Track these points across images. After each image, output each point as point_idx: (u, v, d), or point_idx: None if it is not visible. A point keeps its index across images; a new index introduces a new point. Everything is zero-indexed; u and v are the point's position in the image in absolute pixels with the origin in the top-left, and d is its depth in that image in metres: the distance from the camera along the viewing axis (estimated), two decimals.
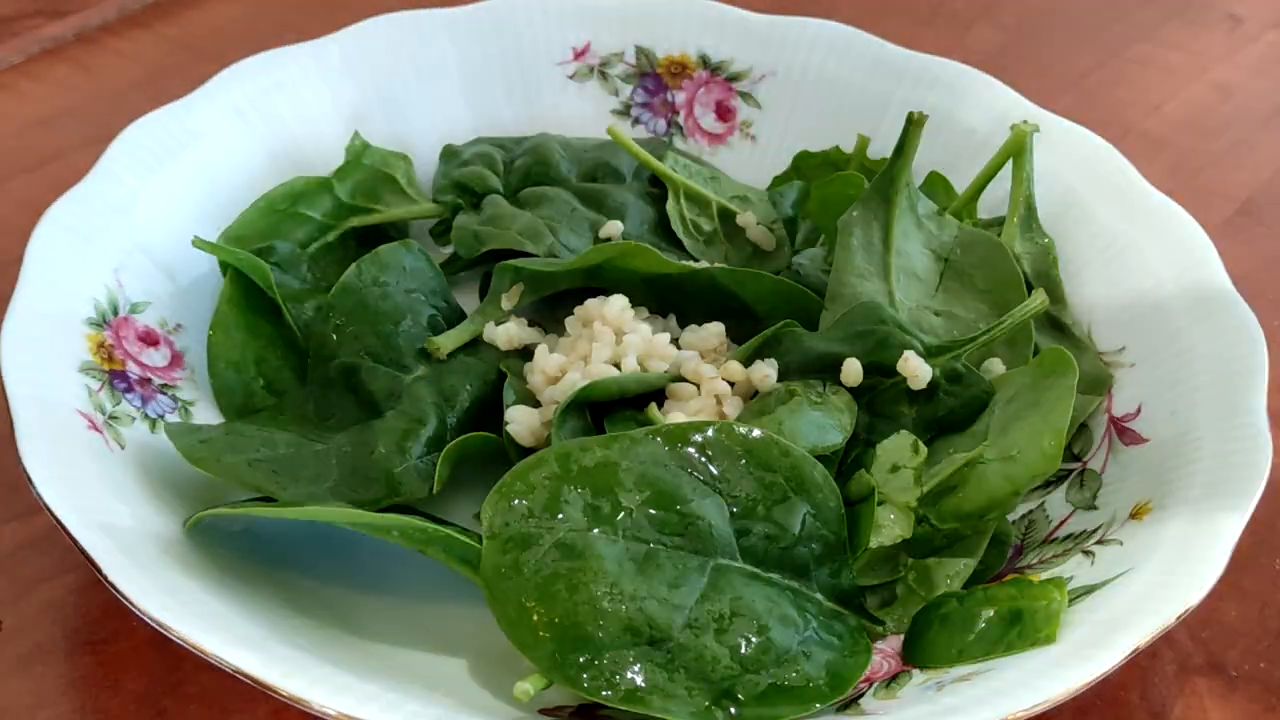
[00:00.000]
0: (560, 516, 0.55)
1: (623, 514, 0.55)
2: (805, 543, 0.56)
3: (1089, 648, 0.52)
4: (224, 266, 0.71)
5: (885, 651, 0.57)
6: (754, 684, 0.52)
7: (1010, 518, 0.64)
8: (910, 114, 0.75)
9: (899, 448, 0.62)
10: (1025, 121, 0.77)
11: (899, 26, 0.93)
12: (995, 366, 0.69)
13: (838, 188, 0.78)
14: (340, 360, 0.69)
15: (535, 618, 0.52)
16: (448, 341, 0.69)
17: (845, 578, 0.57)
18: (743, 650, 0.53)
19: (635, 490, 0.56)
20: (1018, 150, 0.76)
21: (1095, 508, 0.63)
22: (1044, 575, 0.59)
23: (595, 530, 0.55)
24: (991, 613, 0.56)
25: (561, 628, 0.52)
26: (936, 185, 0.79)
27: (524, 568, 0.53)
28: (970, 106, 0.81)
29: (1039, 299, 0.66)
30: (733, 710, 0.51)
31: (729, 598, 0.54)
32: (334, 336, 0.69)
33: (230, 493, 0.62)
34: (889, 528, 0.59)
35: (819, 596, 0.56)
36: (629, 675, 0.51)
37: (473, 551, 0.56)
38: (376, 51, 0.84)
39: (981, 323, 0.69)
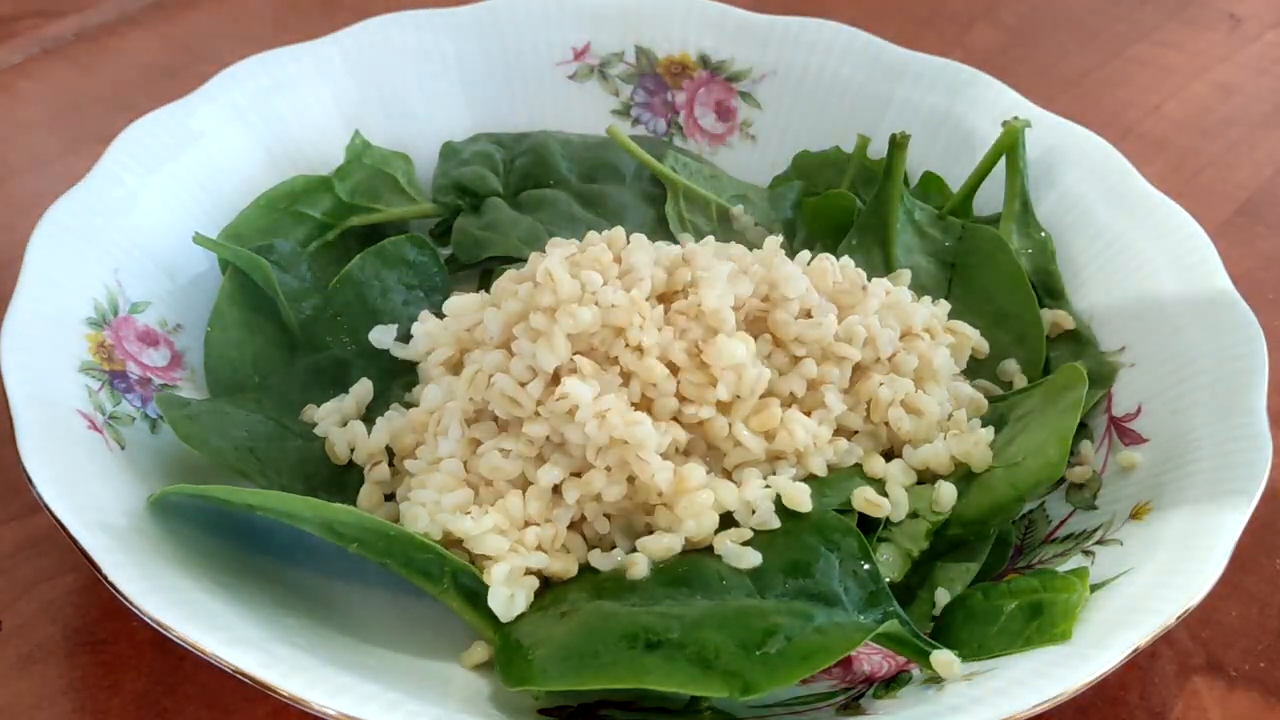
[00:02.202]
0: (563, 603, 0.57)
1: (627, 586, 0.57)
2: (830, 579, 0.56)
3: (1089, 647, 0.52)
4: (223, 264, 0.71)
5: (885, 652, 0.57)
6: (759, 663, 0.51)
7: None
8: (893, 136, 0.76)
9: (926, 498, 0.62)
10: (1016, 117, 0.77)
11: (899, 26, 0.93)
12: (1010, 366, 0.70)
13: (829, 202, 0.78)
14: (333, 352, 0.69)
15: (538, 663, 0.53)
16: None
17: (883, 602, 0.55)
18: (748, 641, 0.52)
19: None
20: (1010, 146, 0.76)
21: (1095, 508, 0.63)
22: (1064, 567, 0.59)
23: (599, 601, 0.56)
24: (1014, 605, 0.57)
25: (563, 655, 0.53)
26: (931, 185, 0.80)
27: (529, 641, 0.55)
28: (970, 106, 0.81)
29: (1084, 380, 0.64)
30: (739, 684, 0.50)
31: (735, 608, 0.54)
32: (330, 328, 0.70)
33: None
34: (883, 567, 0.58)
35: (855, 616, 0.55)
36: (628, 669, 0.52)
37: (433, 565, 0.56)
38: (376, 51, 0.84)
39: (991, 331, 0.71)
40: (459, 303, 0.66)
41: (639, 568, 0.57)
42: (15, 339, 0.61)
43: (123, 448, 0.61)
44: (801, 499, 0.58)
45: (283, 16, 1.06)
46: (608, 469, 0.58)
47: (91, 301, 0.66)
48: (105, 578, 0.51)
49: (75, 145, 0.89)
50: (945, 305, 0.70)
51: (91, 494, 0.56)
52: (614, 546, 0.59)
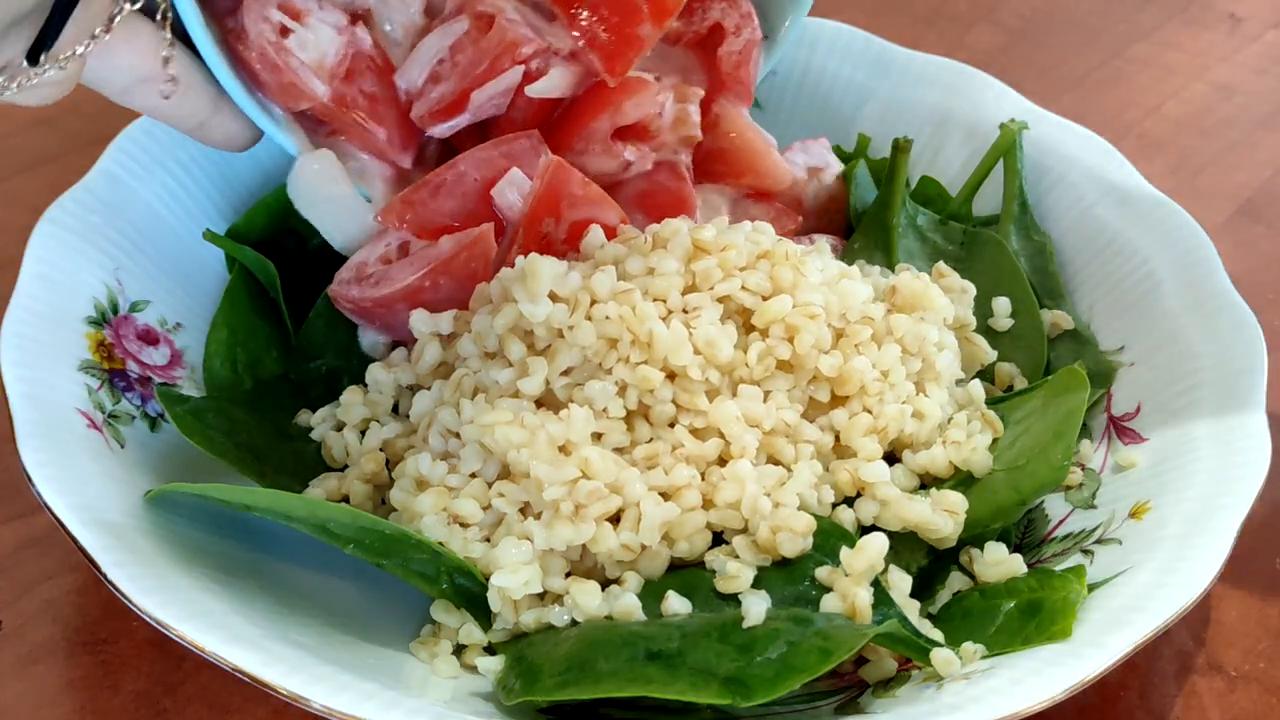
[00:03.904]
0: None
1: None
2: (822, 589, 0.56)
3: (1088, 647, 0.52)
4: (230, 263, 0.71)
5: (882, 652, 0.57)
6: (760, 669, 0.51)
7: None
8: (896, 141, 0.76)
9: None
10: (1012, 120, 0.77)
11: (899, 26, 0.93)
12: (1010, 369, 0.70)
13: None
14: (324, 362, 0.69)
15: (545, 677, 0.53)
16: None
17: (883, 602, 0.55)
18: (748, 649, 0.52)
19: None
20: (1007, 149, 0.76)
21: (1094, 507, 0.63)
22: (1063, 566, 0.59)
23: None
24: (1011, 605, 0.57)
25: (563, 666, 0.53)
26: (929, 189, 0.80)
27: (535, 659, 0.54)
28: (971, 107, 0.81)
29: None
30: (741, 692, 0.50)
31: (734, 617, 0.54)
32: (326, 334, 0.70)
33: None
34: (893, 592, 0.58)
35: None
36: (629, 678, 0.51)
37: (430, 566, 0.56)
38: None
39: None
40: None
41: (630, 585, 0.57)
42: (15, 338, 0.61)
43: (122, 446, 0.61)
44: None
45: None
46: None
47: (91, 300, 0.66)
48: (105, 576, 0.52)
49: (75, 145, 0.89)
50: (971, 317, 0.70)
51: (91, 493, 0.56)
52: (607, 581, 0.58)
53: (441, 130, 0.68)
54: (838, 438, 0.62)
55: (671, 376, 0.60)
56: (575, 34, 0.67)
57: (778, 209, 0.75)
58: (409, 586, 0.57)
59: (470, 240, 0.64)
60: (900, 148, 0.77)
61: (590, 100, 0.69)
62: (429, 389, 0.63)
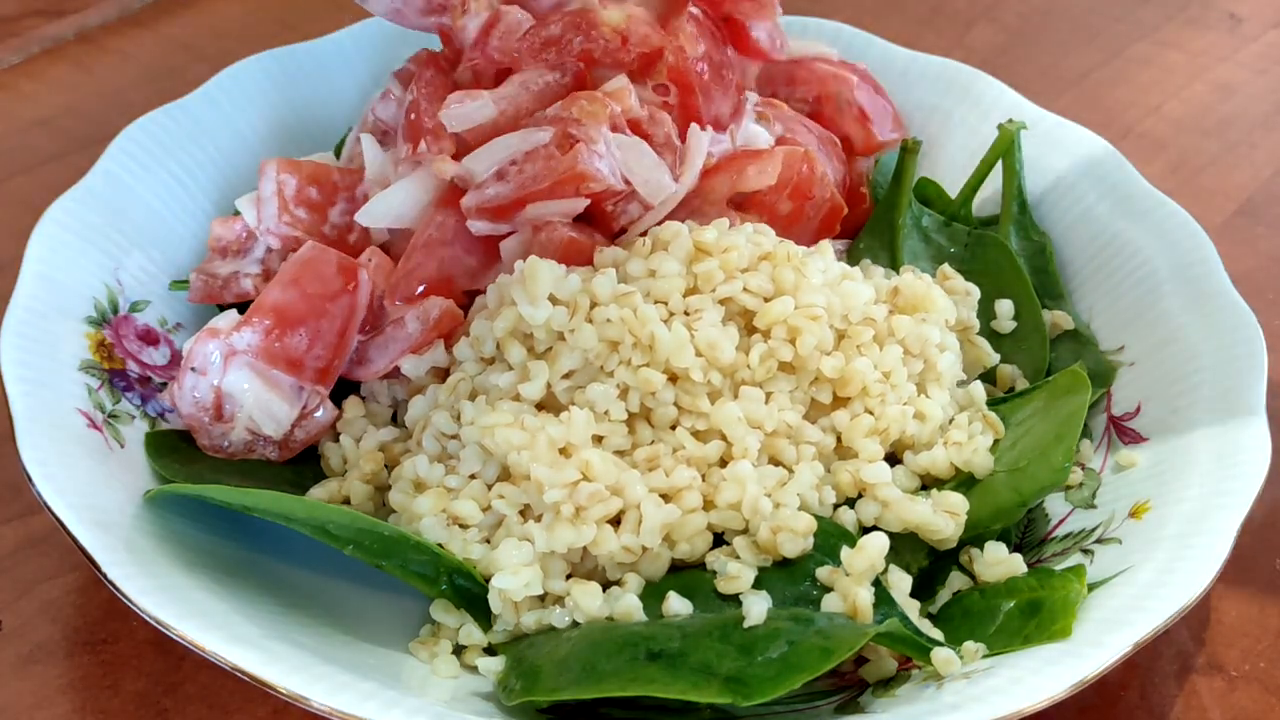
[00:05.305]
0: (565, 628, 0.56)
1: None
2: (823, 589, 0.56)
3: (1088, 646, 0.52)
4: None
5: (883, 651, 0.57)
6: (761, 669, 0.51)
7: None
8: (904, 142, 0.77)
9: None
10: (1010, 120, 0.77)
11: (899, 26, 0.93)
12: (1011, 370, 0.70)
13: None
14: None
15: (539, 677, 0.53)
16: None
17: (883, 601, 0.55)
18: (749, 648, 0.52)
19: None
20: (1006, 148, 0.76)
21: (1094, 506, 0.63)
22: (1063, 565, 0.59)
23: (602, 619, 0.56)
24: (1011, 604, 0.57)
25: (564, 667, 0.53)
26: (928, 190, 0.80)
27: (536, 659, 0.54)
28: (970, 106, 0.81)
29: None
30: (742, 691, 0.50)
31: (735, 617, 0.54)
32: None
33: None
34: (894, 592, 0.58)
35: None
36: (630, 678, 0.51)
37: (429, 567, 0.56)
38: (380, 48, 0.84)
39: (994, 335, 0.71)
40: None
41: (630, 586, 0.57)
42: (15, 338, 0.61)
43: (122, 446, 0.61)
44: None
45: (282, 16, 1.06)
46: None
47: (91, 300, 0.66)
48: (105, 576, 0.52)
49: (75, 145, 0.89)
50: (975, 319, 0.70)
51: (91, 492, 0.56)
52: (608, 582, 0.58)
53: (482, 229, 0.65)
54: (839, 439, 0.62)
55: (673, 379, 0.60)
56: None
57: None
58: (409, 587, 0.57)
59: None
60: (909, 149, 0.77)
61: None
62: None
